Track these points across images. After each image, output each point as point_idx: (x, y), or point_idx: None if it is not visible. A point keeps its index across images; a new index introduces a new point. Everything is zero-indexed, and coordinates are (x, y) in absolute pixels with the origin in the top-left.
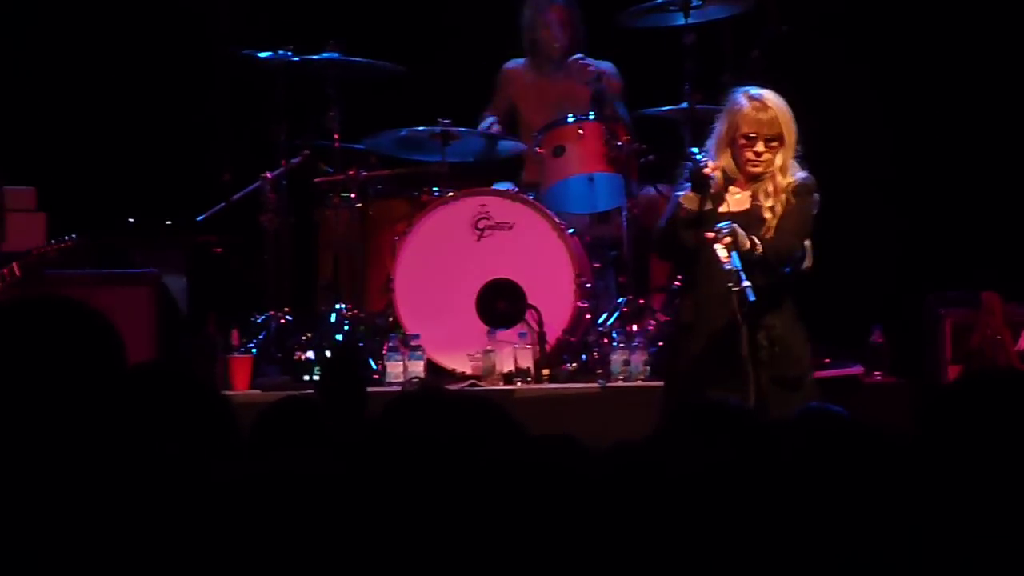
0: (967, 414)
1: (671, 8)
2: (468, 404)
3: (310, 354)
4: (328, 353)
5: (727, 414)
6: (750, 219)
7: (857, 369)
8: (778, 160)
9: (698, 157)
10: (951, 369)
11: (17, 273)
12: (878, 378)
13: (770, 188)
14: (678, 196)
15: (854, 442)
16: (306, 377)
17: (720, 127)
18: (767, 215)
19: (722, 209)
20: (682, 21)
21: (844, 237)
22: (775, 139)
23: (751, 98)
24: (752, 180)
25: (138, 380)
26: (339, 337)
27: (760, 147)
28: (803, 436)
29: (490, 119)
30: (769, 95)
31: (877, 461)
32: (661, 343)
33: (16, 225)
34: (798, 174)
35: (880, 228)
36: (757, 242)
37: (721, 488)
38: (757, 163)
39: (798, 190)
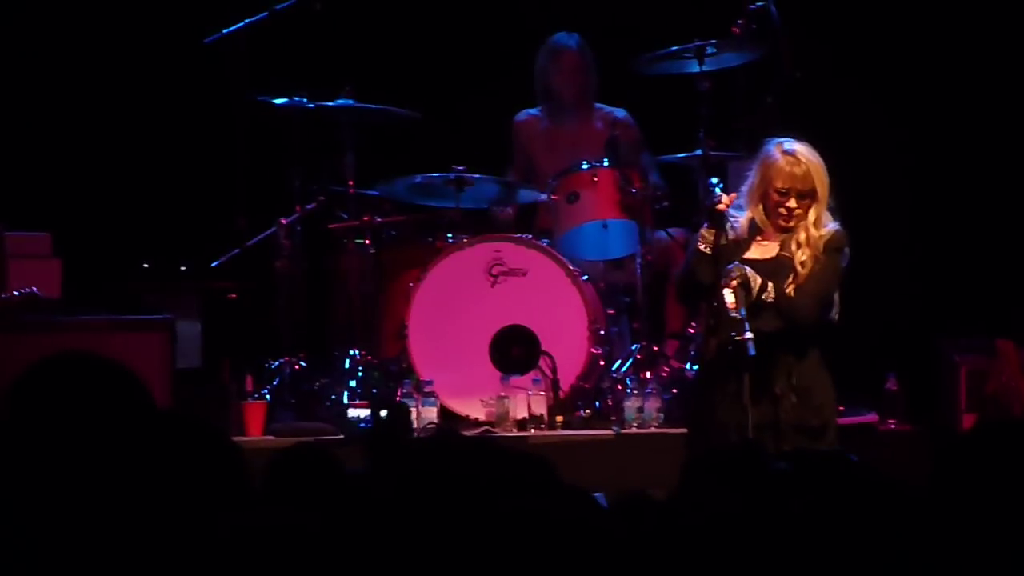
0: (982, 463)
1: (685, 55)
2: (482, 450)
3: (359, 411)
4: (381, 412)
5: (743, 462)
6: (777, 267)
7: (872, 417)
8: (811, 216)
9: (716, 191)
10: (966, 417)
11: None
12: (892, 426)
13: (802, 238)
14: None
15: (867, 490)
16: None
17: (753, 178)
18: (798, 267)
19: (748, 255)
20: (696, 68)
21: (859, 283)
22: (808, 195)
23: (785, 152)
24: (781, 232)
25: (151, 428)
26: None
27: (792, 203)
28: (815, 484)
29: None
30: (803, 149)
31: (890, 510)
32: (675, 390)
33: (31, 271)
34: (830, 225)
35: (895, 274)
36: (770, 289)
37: (733, 540)
38: (789, 218)
39: (829, 245)
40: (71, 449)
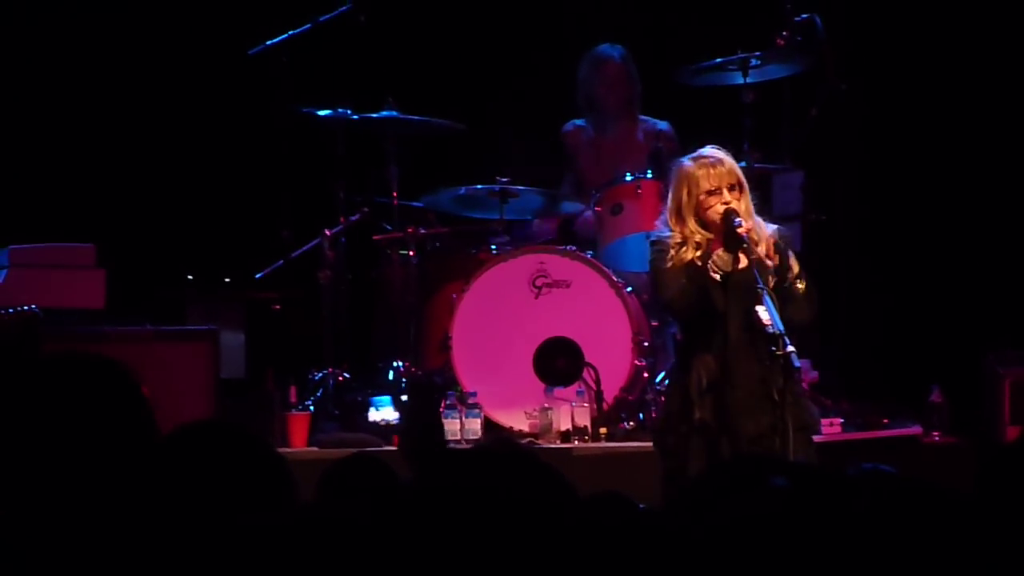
0: None
1: (730, 67)
2: (529, 461)
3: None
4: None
5: (781, 470)
6: (762, 271)
7: (916, 429)
8: (742, 206)
9: (735, 216)
10: (1010, 429)
11: None
12: (937, 438)
13: (754, 236)
14: (667, 259)
15: (911, 502)
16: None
17: (676, 198)
18: (768, 263)
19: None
20: (741, 80)
21: (903, 295)
22: (736, 186)
23: (696, 157)
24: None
25: (193, 438)
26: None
27: (727, 195)
28: (860, 496)
29: (587, 212)
30: (711, 149)
31: (935, 521)
32: None
33: (76, 282)
34: (769, 227)
35: (940, 286)
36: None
37: (776, 547)
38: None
39: (781, 243)
40: (66, 451)
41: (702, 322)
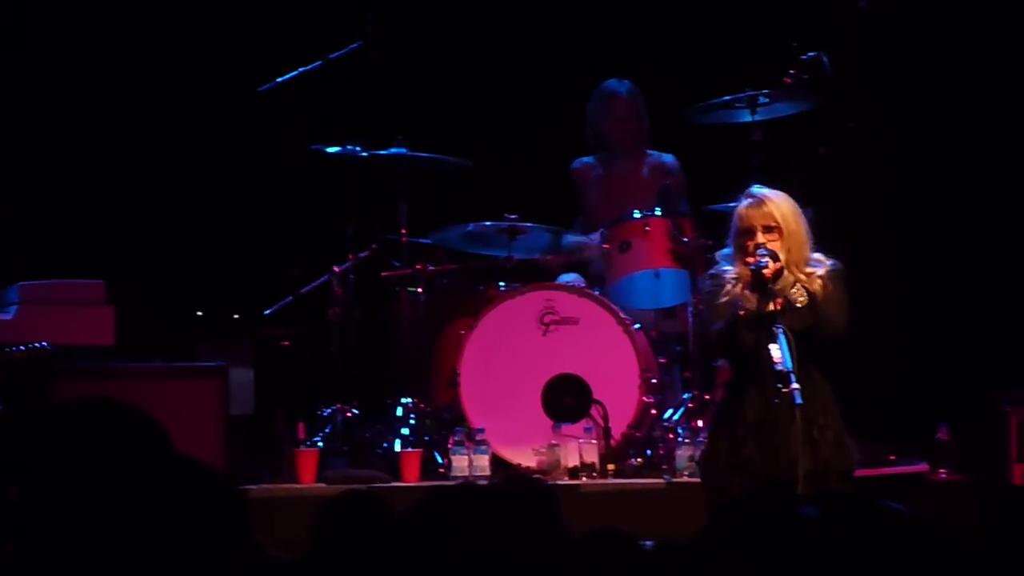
0: None
1: (738, 105)
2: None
3: None
4: None
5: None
6: (790, 314)
7: (922, 467)
8: (780, 248)
9: (762, 257)
10: (1017, 467)
11: None
12: (944, 476)
13: (789, 280)
14: (722, 294)
15: (919, 542)
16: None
17: (731, 236)
18: (801, 301)
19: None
20: (749, 118)
21: (910, 333)
22: (772, 229)
23: (746, 195)
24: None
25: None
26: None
27: (760, 237)
28: (868, 535)
29: (595, 237)
30: (764, 190)
31: (943, 562)
32: None
33: (85, 318)
34: (828, 262)
35: (947, 324)
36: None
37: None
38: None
39: (833, 275)
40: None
41: (739, 361)
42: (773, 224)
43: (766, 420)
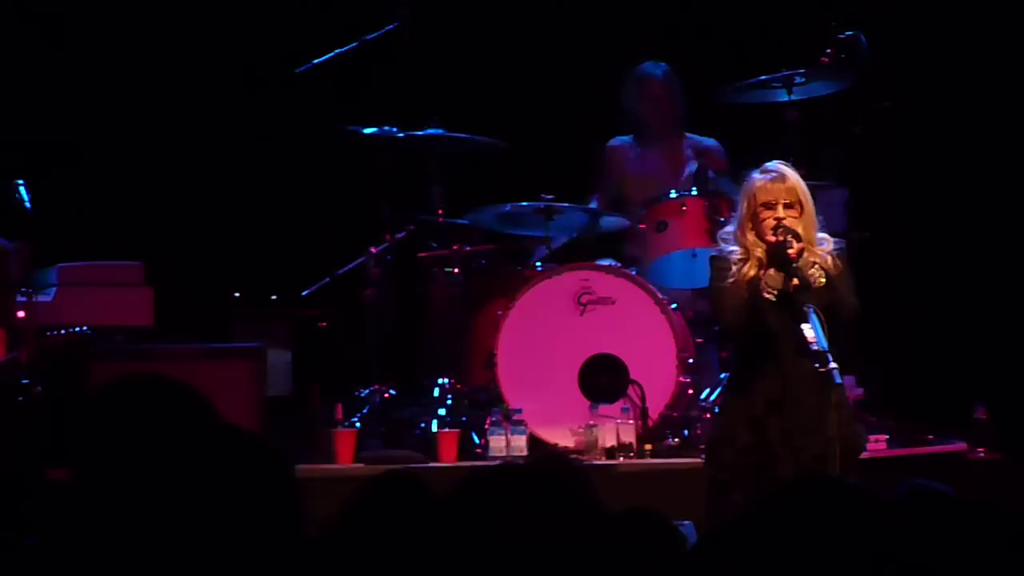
0: None
1: (774, 85)
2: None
3: None
4: None
5: (831, 490)
6: (810, 292)
7: (961, 445)
8: (799, 226)
9: (785, 235)
10: None
11: (22, 361)
12: (982, 454)
13: (806, 256)
14: (728, 276)
15: (964, 521)
16: None
17: (740, 209)
18: (820, 280)
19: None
20: (784, 97)
21: (947, 311)
22: (793, 206)
23: (763, 170)
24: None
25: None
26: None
27: (781, 212)
28: (913, 514)
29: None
30: (781, 165)
31: (986, 540)
32: None
33: (124, 300)
34: (833, 241)
35: (984, 302)
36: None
37: (830, 566)
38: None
39: (840, 253)
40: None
41: (760, 342)
42: (794, 200)
43: (787, 400)
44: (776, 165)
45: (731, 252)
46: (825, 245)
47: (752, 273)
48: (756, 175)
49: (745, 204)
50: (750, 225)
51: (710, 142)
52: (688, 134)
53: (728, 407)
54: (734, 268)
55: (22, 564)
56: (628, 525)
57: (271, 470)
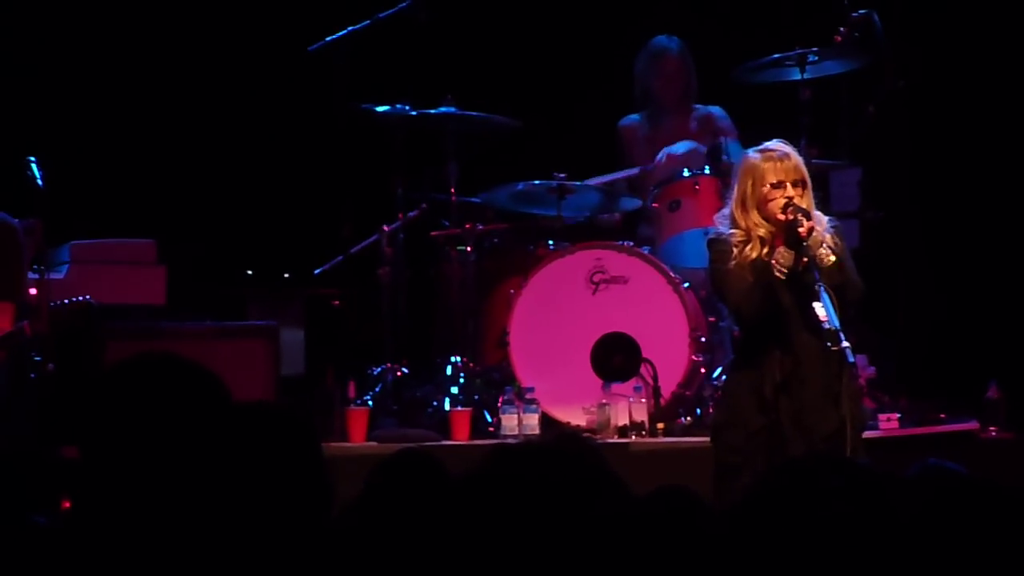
0: None
1: (787, 63)
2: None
3: None
4: None
5: (840, 469)
6: (819, 269)
7: (973, 424)
8: (805, 203)
9: (798, 213)
10: None
11: (27, 333)
12: (994, 433)
13: (816, 237)
14: (730, 258)
15: (975, 500)
16: None
17: (741, 189)
18: (830, 259)
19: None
20: (798, 76)
21: (961, 291)
22: (800, 183)
23: (764, 150)
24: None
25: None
26: None
27: (790, 190)
28: (924, 493)
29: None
30: (783, 144)
31: (998, 519)
32: None
33: (137, 278)
34: (826, 219)
35: (997, 282)
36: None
37: (842, 544)
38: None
39: (839, 231)
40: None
41: (769, 321)
42: (799, 178)
43: (796, 379)
44: (778, 144)
45: (730, 234)
46: (826, 222)
47: (754, 255)
48: (755, 154)
49: (749, 184)
50: (753, 204)
51: (715, 109)
52: (695, 105)
53: (735, 388)
54: (735, 250)
55: (32, 542)
56: (662, 503)
57: (297, 444)
